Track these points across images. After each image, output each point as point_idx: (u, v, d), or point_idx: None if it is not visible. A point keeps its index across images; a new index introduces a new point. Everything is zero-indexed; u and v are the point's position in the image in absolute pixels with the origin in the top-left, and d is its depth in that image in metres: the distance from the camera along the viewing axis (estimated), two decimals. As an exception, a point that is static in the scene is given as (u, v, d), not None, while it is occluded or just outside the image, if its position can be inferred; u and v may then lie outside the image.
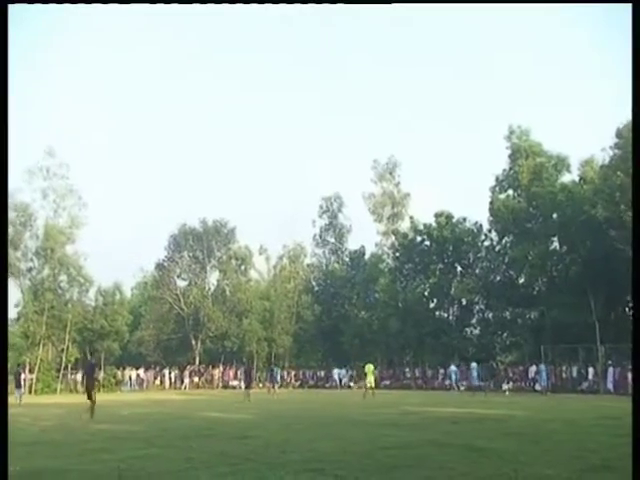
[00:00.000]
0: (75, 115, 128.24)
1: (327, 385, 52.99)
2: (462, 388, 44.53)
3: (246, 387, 35.84)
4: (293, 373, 58.57)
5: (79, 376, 53.54)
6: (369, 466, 8.86)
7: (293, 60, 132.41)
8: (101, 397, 41.38)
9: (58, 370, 50.97)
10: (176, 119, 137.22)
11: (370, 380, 35.27)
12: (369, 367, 36.11)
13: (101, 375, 53.35)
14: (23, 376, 39.96)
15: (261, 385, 51.05)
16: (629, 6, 7.42)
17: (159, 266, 64.76)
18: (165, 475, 8.21)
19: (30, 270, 52.68)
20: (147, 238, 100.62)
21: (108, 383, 53.10)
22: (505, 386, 40.50)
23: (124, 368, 57.11)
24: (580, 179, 45.57)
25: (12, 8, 7.90)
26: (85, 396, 21.08)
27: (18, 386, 36.00)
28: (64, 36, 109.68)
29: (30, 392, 44.83)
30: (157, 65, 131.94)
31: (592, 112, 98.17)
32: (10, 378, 49.38)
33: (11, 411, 24.65)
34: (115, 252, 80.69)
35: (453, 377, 45.42)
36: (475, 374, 44.45)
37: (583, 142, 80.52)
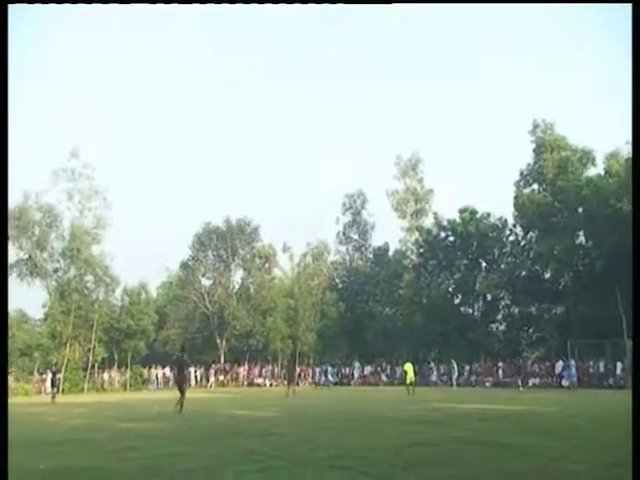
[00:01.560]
0: (98, 116, 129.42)
1: (352, 382, 52.89)
2: (487, 384, 44.38)
3: (289, 383, 37.50)
4: (318, 370, 58.61)
5: (106, 375, 54.20)
6: (395, 463, 8.83)
7: (314, 58, 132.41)
8: (128, 396, 41.94)
9: (85, 369, 51.41)
10: (199, 118, 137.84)
11: (410, 377, 35.69)
12: (408, 365, 36.55)
13: (128, 374, 53.95)
14: (58, 376, 40.42)
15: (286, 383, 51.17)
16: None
17: (184, 265, 65.15)
18: (192, 472, 8.24)
19: (56, 271, 53.26)
20: (172, 238, 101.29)
21: (135, 382, 53.56)
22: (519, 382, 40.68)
23: (150, 367, 57.51)
24: (605, 172, 45.08)
25: (12, 8, 7.95)
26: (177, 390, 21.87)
27: (52, 385, 36.54)
28: (59, 34, 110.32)
29: (57, 391, 45.33)
30: (175, 64, 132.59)
31: (617, 105, 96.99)
32: (40, 378, 50.31)
33: (40, 410, 25.05)
34: (140, 252, 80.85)
35: (454, 374, 45.66)
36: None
37: (608, 135, 79.66)
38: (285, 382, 51.14)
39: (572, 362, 39.05)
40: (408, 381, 35.35)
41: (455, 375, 45.64)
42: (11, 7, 7.71)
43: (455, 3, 46.85)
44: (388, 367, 53.70)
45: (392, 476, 7.73)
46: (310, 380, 56.07)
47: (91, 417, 21.15)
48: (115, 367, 59.02)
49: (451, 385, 44.53)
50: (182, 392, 20.88)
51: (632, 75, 7.43)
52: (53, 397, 34.20)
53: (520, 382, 41.19)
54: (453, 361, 46.42)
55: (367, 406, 24.06)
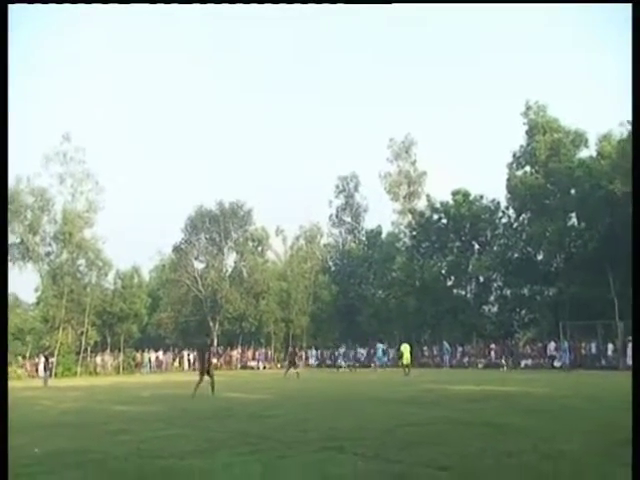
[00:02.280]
0: (90, 100, 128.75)
1: (346, 364, 52.99)
2: (480, 366, 44.61)
3: (291, 366, 37.30)
4: (311, 352, 58.76)
5: (99, 359, 54.27)
6: (388, 443, 8.84)
7: (307, 44, 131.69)
8: (121, 379, 41.98)
9: (78, 353, 51.44)
10: (192, 102, 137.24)
11: (407, 358, 36.14)
12: (405, 347, 36.84)
13: (120, 358, 54.02)
14: (51, 359, 40.44)
15: (279, 366, 51.36)
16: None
17: (176, 249, 65.03)
18: (185, 455, 8.23)
19: (49, 254, 53.23)
20: (164, 221, 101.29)
21: (128, 365, 53.67)
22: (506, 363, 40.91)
23: (143, 350, 57.63)
24: (598, 154, 45.12)
25: (12, 8, 7.86)
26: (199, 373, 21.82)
27: (45, 369, 36.55)
28: (59, 34, 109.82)
29: (50, 375, 45.36)
30: (168, 55, 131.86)
31: (609, 86, 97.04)
32: (33, 362, 50.30)
33: (34, 394, 25.05)
34: (133, 235, 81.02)
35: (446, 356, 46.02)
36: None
37: (601, 117, 79.64)
38: (279, 365, 51.44)
39: (565, 343, 39.21)
40: (405, 362, 35.67)
41: (448, 356, 45.92)
42: (11, 7, 7.61)
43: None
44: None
45: (385, 456, 7.72)
46: (304, 362, 56.28)
47: (84, 400, 21.15)
48: (108, 351, 59.05)
49: (443, 366, 44.84)
50: (210, 374, 21.08)
51: (632, 75, 7.38)
52: (46, 381, 34.21)
53: (505, 363, 41.38)
54: (446, 342, 46.70)
55: (360, 387, 24.13)
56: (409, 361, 36.17)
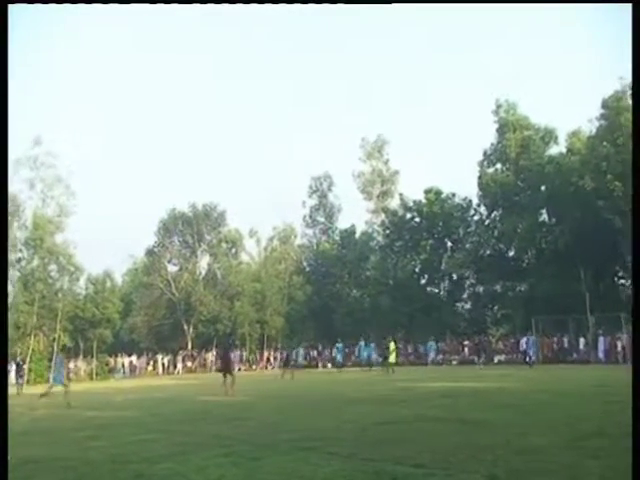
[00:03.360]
0: (61, 104, 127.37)
1: (320, 365, 53.01)
2: (454, 362, 44.83)
3: (285, 366, 38.38)
4: (285, 354, 58.61)
5: (72, 365, 53.57)
6: (363, 442, 8.87)
7: (279, 46, 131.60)
8: (94, 385, 41.63)
9: (50, 359, 50.83)
10: (162, 104, 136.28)
11: (392, 357, 35.85)
12: (391, 345, 36.57)
13: (94, 363, 53.53)
14: (24, 366, 39.87)
15: (254, 367, 51.26)
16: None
17: (149, 252, 64.49)
18: (159, 459, 8.19)
19: (19, 261, 52.50)
20: (137, 224, 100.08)
21: (101, 371, 53.18)
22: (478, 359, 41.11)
23: (116, 355, 57.15)
24: (567, 151, 45.66)
25: (12, 8, 7.79)
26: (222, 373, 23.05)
27: (18, 376, 36.03)
28: (59, 34, 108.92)
29: (23, 382, 44.83)
30: (147, 55, 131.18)
31: (578, 84, 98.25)
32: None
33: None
34: (105, 240, 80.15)
35: (432, 354, 46.12)
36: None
37: (570, 114, 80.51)
38: (254, 367, 51.28)
39: (532, 337, 39.38)
40: (392, 360, 35.47)
41: (433, 354, 45.89)
42: (11, 7, 7.53)
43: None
44: (355, 349, 53.92)
45: (359, 455, 7.74)
46: (280, 363, 56.18)
47: (56, 407, 20.91)
48: (81, 356, 58.48)
49: (426, 364, 44.80)
50: (231, 374, 22.34)
51: (632, 75, 7.47)
52: (20, 388, 33.76)
53: (480, 360, 41.49)
54: (433, 342, 46.57)
55: (334, 387, 24.16)
56: (394, 360, 35.94)
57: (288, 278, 62.58)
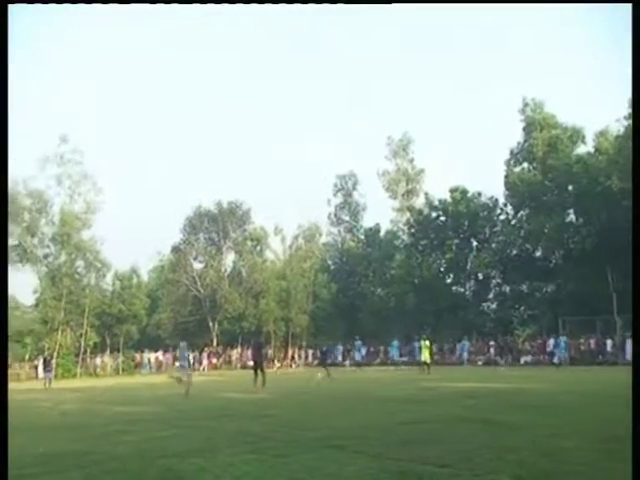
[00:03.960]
0: (88, 101, 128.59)
1: (346, 363, 52.91)
2: (479, 363, 44.53)
3: (323, 365, 36.80)
4: (311, 352, 58.70)
5: (98, 360, 54.23)
6: (389, 441, 8.86)
7: (304, 45, 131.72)
8: (121, 380, 41.97)
9: (77, 355, 51.38)
10: (190, 101, 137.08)
11: (425, 356, 34.10)
12: (424, 343, 35.01)
13: (120, 359, 54.00)
14: (52, 361, 40.27)
15: (279, 365, 51.35)
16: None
17: (175, 249, 65.02)
18: (186, 455, 8.25)
19: (47, 256, 53.13)
20: (163, 221, 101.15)
21: (127, 366, 53.62)
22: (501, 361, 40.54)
23: (142, 351, 57.59)
24: (595, 150, 45.23)
25: (12, 8, 7.86)
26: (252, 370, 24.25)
27: (47, 370, 36.37)
28: (68, 32, 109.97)
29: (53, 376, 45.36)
30: (168, 53, 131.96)
31: (606, 83, 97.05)
32: (32, 364, 50.28)
33: (33, 396, 25.04)
34: (131, 236, 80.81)
35: (465, 353, 45.36)
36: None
37: (598, 113, 79.78)
38: (278, 364, 51.36)
39: (562, 338, 39.07)
40: (423, 359, 33.89)
41: (466, 354, 45.11)
42: (11, 7, 7.61)
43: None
44: (381, 348, 53.92)
45: (386, 454, 7.74)
46: (304, 362, 56.40)
47: (84, 402, 21.16)
48: (107, 352, 59.03)
49: (461, 364, 44.12)
50: (262, 370, 23.41)
51: (632, 75, 7.40)
52: (49, 382, 34.12)
53: (502, 361, 41.07)
54: (466, 342, 45.88)
55: (361, 386, 24.14)
56: (428, 359, 34.04)
57: (313, 276, 62.66)
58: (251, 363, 54.68)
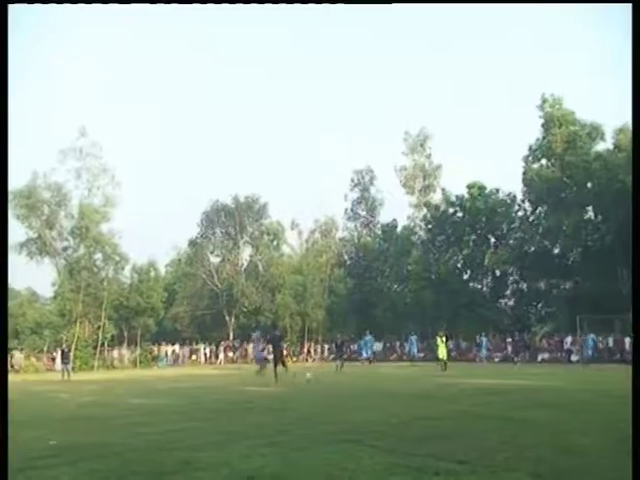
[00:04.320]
0: (106, 96, 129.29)
1: (361, 358, 52.86)
2: (496, 360, 44.34)
3: (339, 359, 37.23)
4: (327, 346, 58.76)
5: (116, 353, 54.52)
6: (406, 437, 8.87)
7: (322, 39, 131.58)
8: (138, 372, 42.24)
9: (95, 347, 51.65)
10: (207, 96, 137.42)
11: (442, 352, 32.91)
12: (440, 339, 33.84)
13: (137, 351, 54.30)
14: (70, 353, 40.42)
15: (295, 359, 51.46)
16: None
17: (192, 243, 65.26)
18: (203, 447, 8.31)
19: (66, 249, 53.41)
20: (180, 215, 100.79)
21: (144, 359, 53.88)
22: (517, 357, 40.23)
23: (160, 344, 57.85)
24: (614, 147, 44.74)
25: (12, 8, 7.91)
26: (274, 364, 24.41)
27: (65, 362, 36.50)
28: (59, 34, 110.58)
29: (71, 369, 45.65)
30: (179, 50, 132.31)
31: (625, 79, 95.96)
32: (50, 355, 50.69)
33: (51, 387, 25.24)
34: (149, 230, 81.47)
35: (484, 350, 44.70)
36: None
37: (617, 109, 79.04)
38: (294, 358, 51.48)
39: (590, 336, 38.32)
40: (440, 356, 32.72)
41: (484, 352, 44.24)
42: (11, 7, 7.66)
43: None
44: (397, 343, 53.92)
45: (402, 449, 7.75)
46: (319, 356, 56.54)
47: (102, 394, 21.32)
48: (125, 344, 59.30)
49: (480, 361, 43.47)
50: (283, 363, 24.02)
51: (632, 75, 7.35)
52: (68, 374, 34.30)
53: (518, 358, 40.66)
54: (484, 338, 44.74)
55: (377, 382, 24.14)
56: (444, 355, 32.76)
57: (329, 271, 62.67)
58: (268, 357, 55.11)
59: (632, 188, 8.70)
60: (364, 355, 44.94)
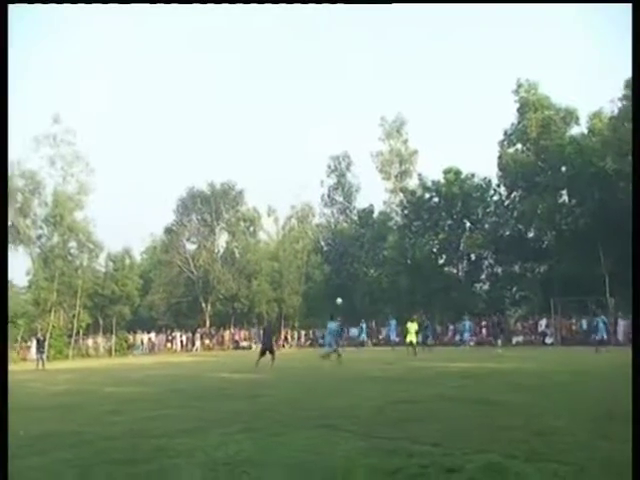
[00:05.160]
0: (79, 82, 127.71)
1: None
2: (471, 344, 44.48)
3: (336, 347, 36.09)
4: (303, 332, 58.80)
5: (91, 341, 54.25)
6: (381, 421, 8.89)
7: (296, 24, 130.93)
8: (113, 361, 42.04)
9: (70, 336, 51.32)
10: (181, 83, 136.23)
11: (411, 337, 32.51)
12: (410, 324, 33.37)
13: (113, 340, 54.03)
14: (45, 342, 40.04)
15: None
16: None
17: (168, 230, 64.89)
18: (178, 434, 8.25)
19: (40, 237, 52.99)
20: (156, 202, 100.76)
21: (120, 347, 53.67)
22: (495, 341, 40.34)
23: (135, 332, 57.69)
24: (589, 131, 45.14)
25: (12, 8, 7.78)
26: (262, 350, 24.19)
27: (39, 352, 36.16)
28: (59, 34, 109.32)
29: (46, 358, 45.27)
30: (161, 41, 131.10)
31: (600, 64, 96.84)
32: (25, 345, 50.25)
33: (25, 377, 25.02)
34: (124, 217, 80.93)
35: (466, 333, 44.32)
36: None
37: (591, 94, 79.69)
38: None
39: (601, 317, 35.90)
40: (408, 340, 32.47)
41: (468, 334, 43.56)
42: (11, 7, 7.52)
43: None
44: (375, 328, 54.08)
45: (377, 433, 7.76)
46: (296, 342, 56.58)
47: (76, 382, 21.17)
48: (100, 333, 59.02)
49: (463, 345, 43.06)
50: (272, 352, 23.72)
51: (632, 75, 7.36)
52: (43, 363, 34.04)
53: (499, 342, 40.57)
54: (468, 322, 44.08)
55: (352, 366, 24.20)
56: (413, 339, 32.37)
57: (306, 257, 62.68)
58: (243, 344, 55.09)
59: (632, 188, 8.74)
60: (392, 338, 44.58)
